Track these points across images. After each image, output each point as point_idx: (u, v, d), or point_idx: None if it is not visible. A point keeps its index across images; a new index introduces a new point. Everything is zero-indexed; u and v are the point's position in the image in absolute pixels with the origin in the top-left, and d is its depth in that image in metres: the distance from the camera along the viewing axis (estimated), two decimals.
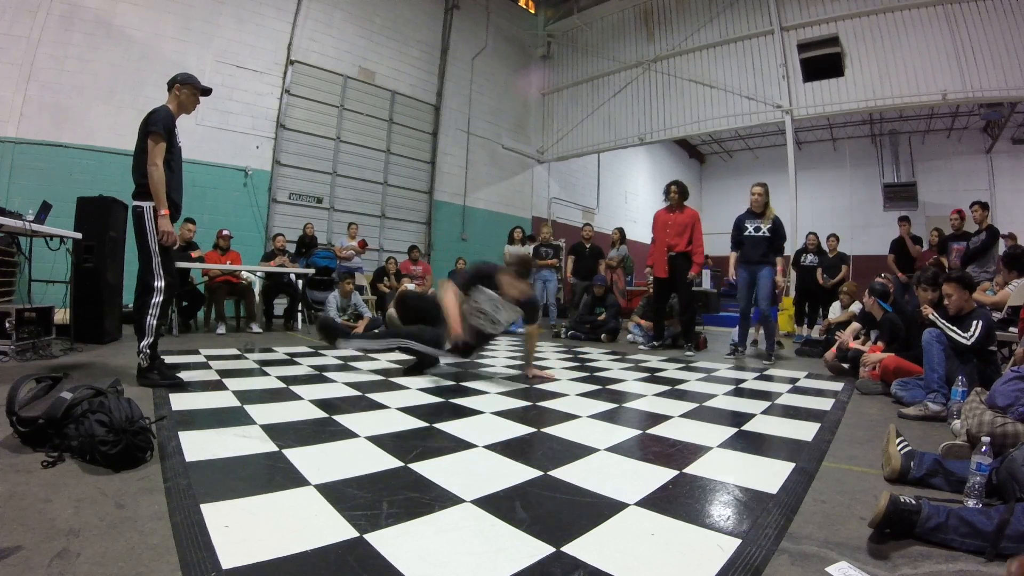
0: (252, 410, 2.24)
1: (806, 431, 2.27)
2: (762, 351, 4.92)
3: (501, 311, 3.17)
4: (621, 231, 7.66)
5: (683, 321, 5.37)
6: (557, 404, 2.65)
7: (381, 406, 2.47)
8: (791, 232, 8.10)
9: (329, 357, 4.00)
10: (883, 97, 7.62)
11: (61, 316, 4.17)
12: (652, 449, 1.95)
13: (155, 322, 2.74)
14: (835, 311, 5.71)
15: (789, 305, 7.60)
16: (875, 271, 6.40)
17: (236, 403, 2.37)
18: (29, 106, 5.66)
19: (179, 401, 2.35)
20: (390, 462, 1.68)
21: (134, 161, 2.78)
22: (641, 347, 5.51)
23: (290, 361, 3.74)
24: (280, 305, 6.62)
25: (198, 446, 1.73)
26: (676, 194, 5.24)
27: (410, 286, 6.65)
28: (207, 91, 3.00)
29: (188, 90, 2.91)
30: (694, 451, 1.92)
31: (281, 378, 3.06)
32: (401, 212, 9.25)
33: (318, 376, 3.20)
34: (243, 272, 5.98)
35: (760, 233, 4.65)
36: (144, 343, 2.71)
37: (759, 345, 6.11)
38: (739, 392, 3.20)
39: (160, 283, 2.77)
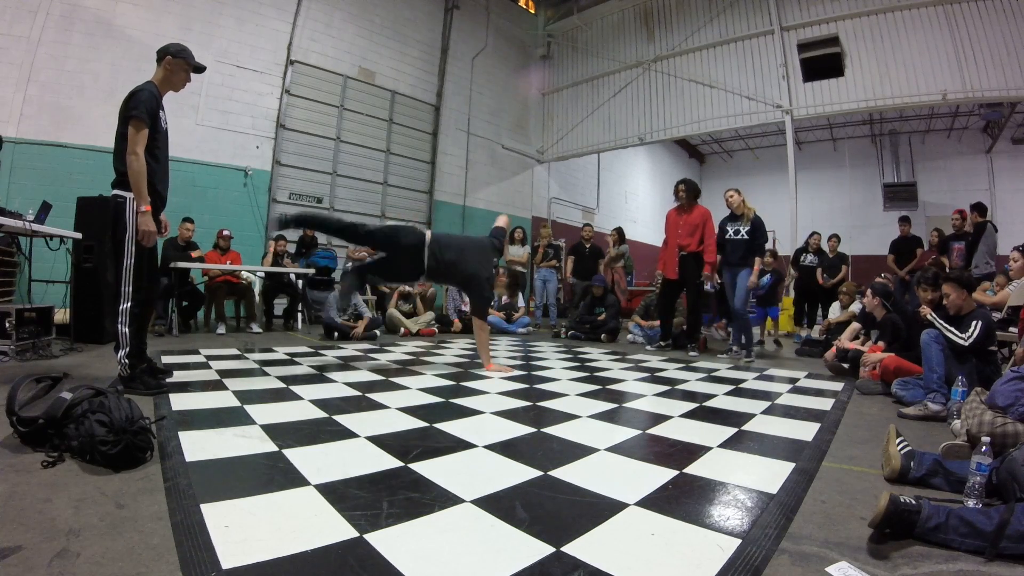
0: (252, 410, 2.24)
1: (806, 431, 2.27)
2: (765, 351, 4.92)
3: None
4: (620, 231, 7.64)
5: (689, 321, 5.36)
6: (557, 404, 2.65)
7: (381, 406, 2.47)
8: (791, 232, 8.14)
9: (329, 357, 4.00)
10: (883, 97, 7.62)
11: (61, 316, 4.17)
12: (652, 449, 1.95)
13: (128, 330, 2.51)
14: (835, 311, 5.71)
15: (789, 305, 7.61)
16: (875, 271, 6.41)
17: (236, 403, 2.37)
18: (29, 106, 5.66)
19: (179, 401, 2.35)
20: (390, 462, 1.68)
21: (115, 147, 2.50)
22: (648, 347, 5.48)
23: (290, 361, 3.74)
24: (280, 305, 6.61)
25: (198, 446, 1.73)
26: (684, 193, 5.22)
27: (409, 287, 6.64)
28: (200, 68, 2.72)
29: (180, 64, 2.62)
30: (694, 451, 1.92)
31: (281, 378, 3.06)
32: (401, 212, 9.24)
33: (318, 376, 3.20)
34: (243, 272, 5.98)
35: (739, 236, 4.69)
36: (121, 353, 2.50)
37: (764, 345, 6.11)
38: (739, 392, 3.20)
39: (127, 288, 2.51)
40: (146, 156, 2.47)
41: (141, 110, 2.43)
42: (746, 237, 4.65)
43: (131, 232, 2.50)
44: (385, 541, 1.15)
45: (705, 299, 8.64)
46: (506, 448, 1.89)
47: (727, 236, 4.78)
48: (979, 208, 5.99)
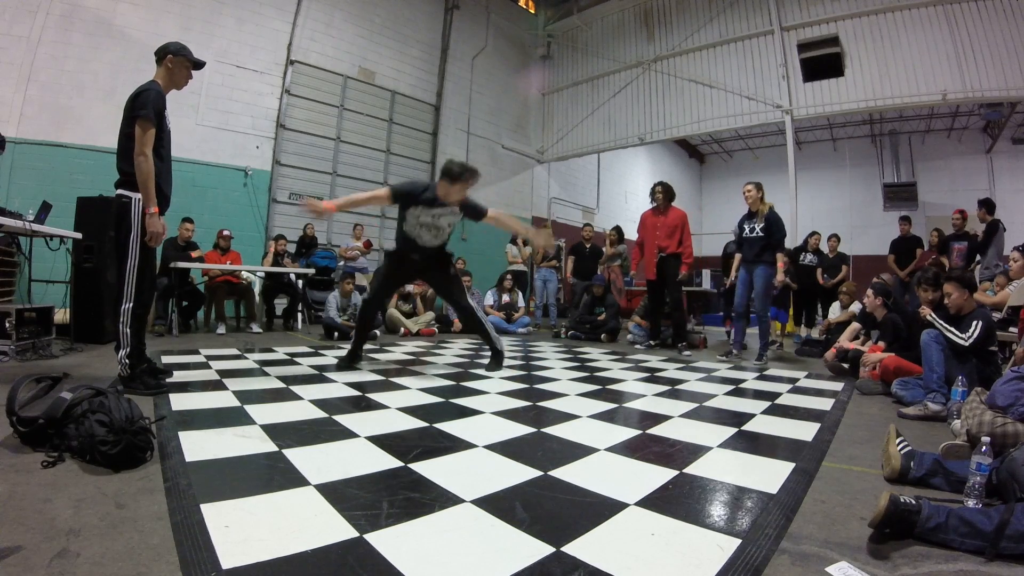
0: (252, 410, 2.24)
1: (806, 431, 2.27)
2: (754, 350, 4.91)
3: (440, 216, 3.35)
4: (619, 230, 7.63)
5: (674, 321, 5.37)
6: (557, 404, 2.65)
7: (381, 406, 2.47)
8: (791, 232, 8.12)
9: (329, 357, 4.00)
10: (883, 97, 7.62)
11: (61, 316, 4.16)
12: (652, 449, 1.95)
13: (128, 331, 2.52)
14: (835, 311, 5.71)
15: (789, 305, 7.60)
16: (875, 271, 6.41)
17: (236, 403, 2.37)
18: (29, 106, 5.66)
19: (179, 401, 2.35)
20: (390, 462, 1.68)
21: (119, 147, 2.49)
22: (638, 347, 5.51)
23: (290, 361, 3.74)
24: (280, 305, 6.62)
25: (198, 446, 1.73)
26: (661, 195, 5.30)
27: (409, 287, 6.64)
28: (200, 64, 2.73)
29: (181, 61, 2.62)
30: (694, 451, 1.92)
31: (281, 378, 3.06)
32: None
33: (318, 376, 3.20)
34: (243, 272, 5.98)
35: (755, 233, 4.63)
36: (121, 353, 2.50)
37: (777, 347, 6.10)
38: (739, 392, 3.20)
39: (130, 288, 2.52)
40: (152, 156, 2.46)
41: (148, 110, 2.42)
42: (761, 234, 4.58)
43: (136, 233, 2.50)
44: (385, 541, 1.15)
45: (704, 299, 8.61)
46: (506, 448, 1.88)
47: (744, 235, 4.71)
48: (987, 205, 5.89)
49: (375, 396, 2.68)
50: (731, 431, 2.22)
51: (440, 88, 9.74)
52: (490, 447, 1.89)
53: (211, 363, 3.45)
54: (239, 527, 1.19)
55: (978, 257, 5.96)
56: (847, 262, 6.79)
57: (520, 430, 2.13)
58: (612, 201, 14.12)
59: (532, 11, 11.84)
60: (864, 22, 7.75)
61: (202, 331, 5.51)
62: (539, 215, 11.61)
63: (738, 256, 4.87)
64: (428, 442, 1.93)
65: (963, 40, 6.98)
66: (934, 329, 2.87)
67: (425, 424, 2.17)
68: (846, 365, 3.94)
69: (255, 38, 7.32)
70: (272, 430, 1.96)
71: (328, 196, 8.23)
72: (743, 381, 3.60)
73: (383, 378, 3.23)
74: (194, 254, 5.59)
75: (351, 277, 5.75)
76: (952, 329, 2.82)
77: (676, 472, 1.68)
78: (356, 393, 2.75)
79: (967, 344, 2.74)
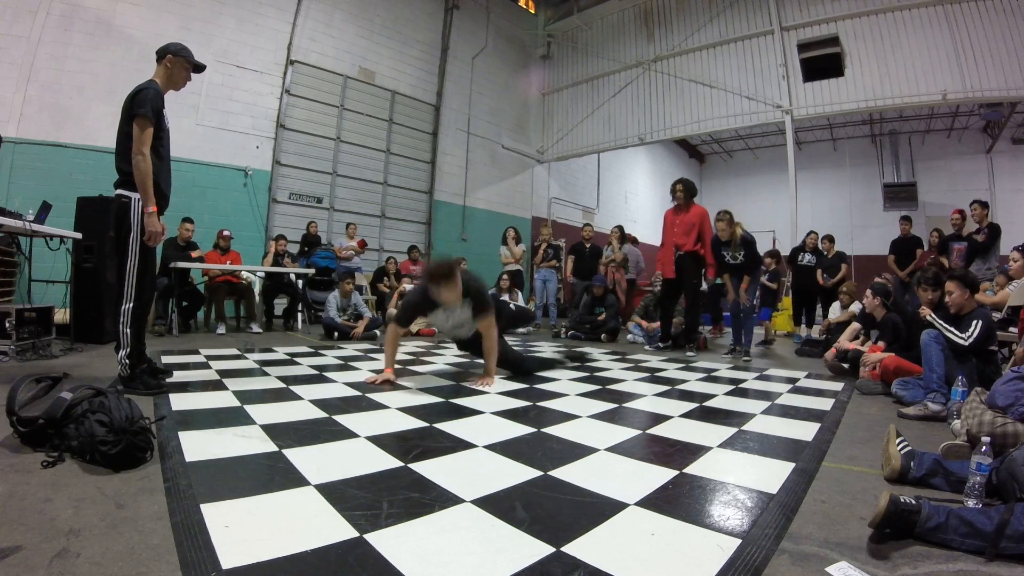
0: (252, 410, 2.24)
1: (806, 431, 2.27)
2: (762, 350, 4.96)
3: (452, 316, 3.14)
4: (621, 229, 7.63)
5: (686, 321, 5.36)
6: (557, 404, 2.65)
7: (381, 406, 2.47)
8: (791, 232, 8.14)
9: (329, 357, 4.00)
10: (883, 97, 7.62)
11: (61, 316, 4.17)
12: (652, 449, 1.95)
13: (128, 331, 2.52)
14: (835, 311, 5.71)
15: (788, 305, 7.60)
16: (875, 271, 6.41)
17: (236, 403, 2.37)
18: (29, 106, 5.66)
19: (179, 401, 2.35)
20: (390, 462, 1.68)
21: (117, 146, 2.50)
22: (646, 348, 5.49)
23: (290, 361, 3.74)
24: (280, 305, 6.62)
25: (198, 446, 1.73)
26: (681, 192, 5.28)
27: (409, 287, 6.64)
28: (200, 67, 2.74)
29: (181, 62, 2.64)
30: (694, 451, 1.92)
31: (281, 378, 3.06)
32: (401, 212, 9.25)
33: (318, 376, 3.20)
34: (243, 272, 5.98)
35: (738, 260, 4.85)
36: (122, 353, 2.51)
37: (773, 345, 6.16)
38: (739, 392, 3.20)
39: (130, 289, 2.52)
40: (151, 155, 2.47)
41: (147, 108, 2.43)
42: (743, 260, 4.82)
43: (136, 233, 2.50)
44: (385, 541, 1.15)
45: (703, 299, 8.60)
46: (506, 448, 1.88)
47: (726, 260, 4.93)
48: (984, 205, 5.88)
49: (375, 396, 2.68)
50: (731, 431, 2.22)
51: (440, 88, 9.74)
52: (490, 447, 1.89)
53: (211, 363, 3.45)
54: (239, 527, 1.19)
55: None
56: (847, 261, 6.78)
57: (520, 430, 2.13)
58: (612, 201, 14.13)
59: (532, 11, 11.84)
60: (864, 22, 7.75)
61: (202, 331, 5.51)
62: (539, 215, 11.61)
63: (726, 275, 5.05)
64: (428, 442, 1.93)
65: (963, 40, 6.98)
66: (934, 329, 2.87)
67: (425, 424, 2.17)
68: (846, 365, 3.94)
69: (255, 38, 7.33)
70: (272, 430, 1.96)
71: (328, 196, 8.25)
72: (743, 381, 3.60)
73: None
74: (194, 254, 5.59)
75: (351, 277, 5.75)
76: (952, 329, 2.82)
77: (676, 472, 1.68)
78: (356, 393, 2.75)
79: (967, 344, 2.73)
